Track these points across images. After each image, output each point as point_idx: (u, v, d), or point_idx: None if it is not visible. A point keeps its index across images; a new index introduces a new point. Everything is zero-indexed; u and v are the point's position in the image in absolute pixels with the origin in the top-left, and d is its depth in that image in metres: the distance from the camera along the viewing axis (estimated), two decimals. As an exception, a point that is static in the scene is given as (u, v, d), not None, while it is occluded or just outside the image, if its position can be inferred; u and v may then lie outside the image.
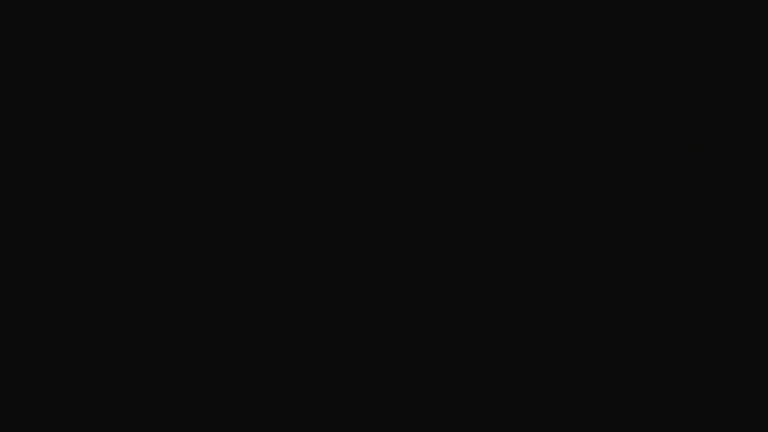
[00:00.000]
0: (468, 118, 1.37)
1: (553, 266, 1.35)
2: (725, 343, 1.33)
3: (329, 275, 1.36)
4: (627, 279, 1.35)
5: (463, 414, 1.32)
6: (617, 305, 1.34)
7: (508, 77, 1.37)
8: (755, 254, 1.33)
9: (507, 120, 1.37)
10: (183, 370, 1.34)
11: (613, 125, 1.37)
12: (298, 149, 1.37)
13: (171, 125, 1.37)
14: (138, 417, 1.31)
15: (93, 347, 1.33)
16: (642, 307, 1.34)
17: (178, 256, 1.36)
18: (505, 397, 1.33)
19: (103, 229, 1.35)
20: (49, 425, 1.30)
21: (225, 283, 1.36)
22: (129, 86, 1.37)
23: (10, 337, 1.32)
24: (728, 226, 1.34)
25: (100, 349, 1.33)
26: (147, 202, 1.36)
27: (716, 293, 1.34)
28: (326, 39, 1.38)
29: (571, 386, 1.33)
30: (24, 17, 1.36)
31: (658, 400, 1.32)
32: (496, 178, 1.37)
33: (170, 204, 1.36)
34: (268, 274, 1.36)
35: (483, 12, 1.37)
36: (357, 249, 1.37)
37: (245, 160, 1.37)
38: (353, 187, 1.37)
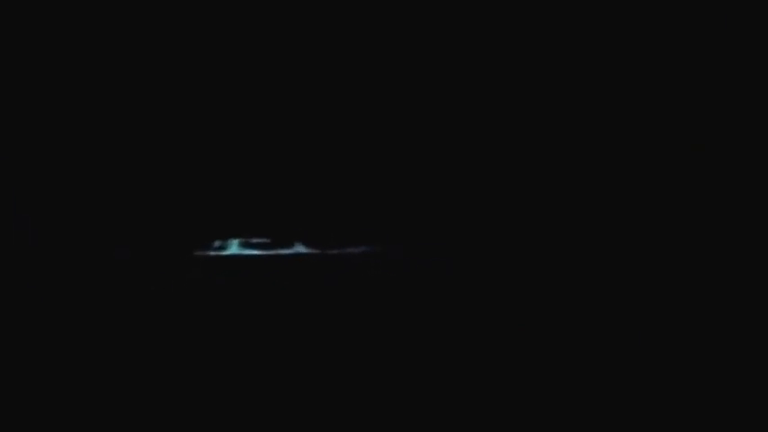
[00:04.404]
0: (466, 113, 1.37)
1: (554, 266, 1.36)
2: (724, 342, 1.33)
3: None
4: (626, 278, 1.35)
5: (459, 412, 1.32)
6: (616, 304, 1.34)
7: (507, 75, 1.38)
8: (755, 253, 1.33)
9: (506, 119, 1.38)
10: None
11: (613, 125, 1.38)
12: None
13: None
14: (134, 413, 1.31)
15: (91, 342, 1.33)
16: (641, 306, 1.34)
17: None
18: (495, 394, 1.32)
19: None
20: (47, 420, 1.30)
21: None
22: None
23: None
24: (728, 225, 1.34)
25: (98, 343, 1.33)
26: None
27: (715, 292, 1.34)
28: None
29: (571, 385, 1.33)
30: (24, 17, 1.36)
31: (657, 399, 1.32)
32: (495, 177, 1.37)
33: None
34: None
35: (483, 11, 1.38)
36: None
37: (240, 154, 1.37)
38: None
